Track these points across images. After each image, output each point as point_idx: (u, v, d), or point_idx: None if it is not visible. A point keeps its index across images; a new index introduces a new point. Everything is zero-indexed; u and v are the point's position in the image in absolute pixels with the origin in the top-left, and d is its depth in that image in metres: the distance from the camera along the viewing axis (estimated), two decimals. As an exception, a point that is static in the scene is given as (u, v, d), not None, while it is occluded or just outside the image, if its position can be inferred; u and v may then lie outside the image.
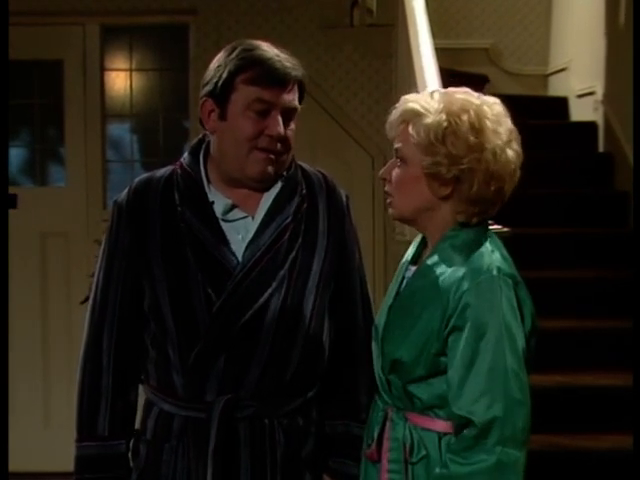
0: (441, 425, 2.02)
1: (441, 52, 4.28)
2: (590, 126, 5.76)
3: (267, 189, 2.17)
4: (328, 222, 2.22)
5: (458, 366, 1.95)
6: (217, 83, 2.11)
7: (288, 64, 2.11)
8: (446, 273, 1.99)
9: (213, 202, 2.16)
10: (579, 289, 4.54)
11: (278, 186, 2.18)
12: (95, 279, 2.24)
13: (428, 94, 2.07)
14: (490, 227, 2.11)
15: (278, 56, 2.11)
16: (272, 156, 2.12)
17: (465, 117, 1.99)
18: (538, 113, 5.92)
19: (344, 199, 2.28)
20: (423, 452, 2.01)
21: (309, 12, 5.35)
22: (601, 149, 5.68)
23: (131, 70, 5.68)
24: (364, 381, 2.24)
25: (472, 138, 1.98)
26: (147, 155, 5.82)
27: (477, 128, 1.98)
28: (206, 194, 2.16)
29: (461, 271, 1.97)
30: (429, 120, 2.00)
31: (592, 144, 5.70)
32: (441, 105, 2.01)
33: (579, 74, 6.18)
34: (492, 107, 2.03)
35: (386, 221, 5.25)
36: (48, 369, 5.54)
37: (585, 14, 6.13)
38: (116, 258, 2.19)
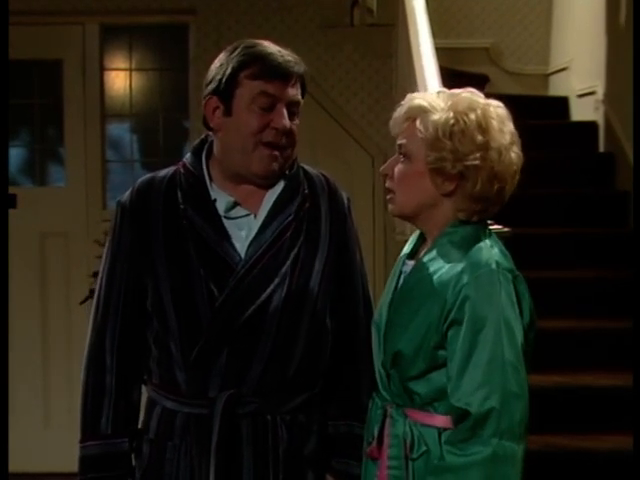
0: (441, 420, 2.02)
1: (441, 52, 4.27)
2: (591, 126, 5.75)
3: (270, 187, 2.19)
4: (330, 223, 2.24)
5: (457, 358, 1.96)
6: (221, 80, 2.13)
7: (290, 58, 2.14)
8: (445, 267, 2.00)
9: (215, 200, 2.17)
10: (579, 289, 4.54)
11: (281, 184, 2.20)
12: (99, 280, 2.25)
13: (434, 93, 2.10)
14: (490, 227, 2.12)
15: (280, 51, 2.14)
16: (276, 152, 2.14)
17: (472, 116, 2.01)
18: (538, 113, 5.92)
19: (345, 201, 2.30)
20: (423, 448, 2.02)
21: (309, 12, 5.36)
22: (602, 149, 5.67)
23: (131, 70, 5.68)
24: (365, 381, 2.24)
25: (479, 136, 2.00)
26: (147, 155, 5.82)
27: (484, 127, 2.01)
28: (208, 192, 2.18)
29: (460, 265, 1.99)
30: (436, 117, 2.02)
31: (593, 144, 5.70)
32: (448, 103, 2.04)
33: (580, 74, 6.17)
34: (497, 109, 2.06)
35: (386, 221, 5.25)
36: (48, 369, 5.54)
37: (586, 14, 6.12)
38: (119, 259, 2.21)
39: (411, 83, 4.11)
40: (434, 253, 2.05)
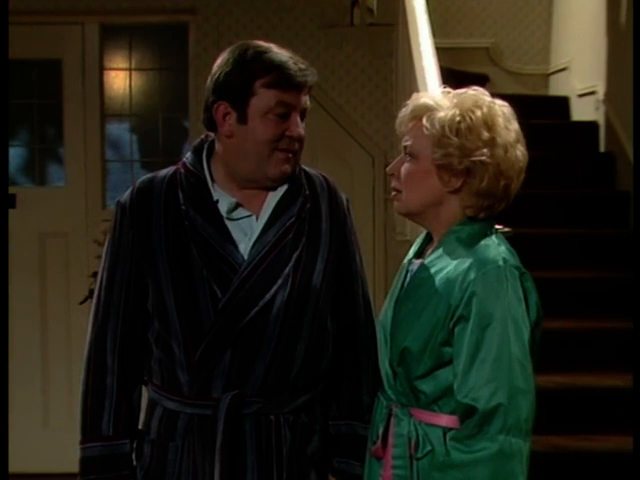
0: (446, 420, 2.03)
1: (442, 51, 4.27)
2: (591, 126, 5.75)
3: (274, 189, 2.20)
4: (330, 223, 2.25)
5: (464, 355, 1.97)
6: (234, 87, 2.12)
7: (303, 66, 2.14)
8: (452, 265, 2.02)
9: (217, 200, 2.18)
10: (580, 289, 4.53)
11: (284, 186, 2.20)
12: (98, 279, 2.25)
13: (439, 92, 2.12)
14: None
15: (292, 58, 2.15)
16: (290, 155, 2.16)
17: (479, 113, 2.03)
18: (539, 113, 5.90)
19: (345, 202, 2.31)
20: (428, 447, 2.02)
21: (309, 11, 5.35)
22: (602, 149, 5.67)
23: (130, 69, 5.68)
24: (366, 381, 2.26)
25: (485, 133, 2.02)
26: (146, 155, 5.81)
27: (489, 124, 2.03)
28: (211, 193, 2.18)
29: (467, 262, 2.00)
30: (442, 114, 2.04)
31: (593, 144, 5.70)
32: (454, 101, 2.06)
33: (580, 73, 6.17)
34: (502, 107, 2.08)
35: (386, 221, 5.24)
36: (47, 370, 5.53)
37: (586, 13, 6.12)
38: (120, 258, 2.20)
39: (411, 83, 4.11)
40: (441, 251, 2.06)
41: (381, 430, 2.10)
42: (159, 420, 2.20)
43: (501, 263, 1.99)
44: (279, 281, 2.14)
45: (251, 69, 2.12)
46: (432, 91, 3.42)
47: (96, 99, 5.56)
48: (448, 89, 2.13)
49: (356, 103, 5.34)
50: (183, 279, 2.14)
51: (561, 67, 6.67)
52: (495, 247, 2.03)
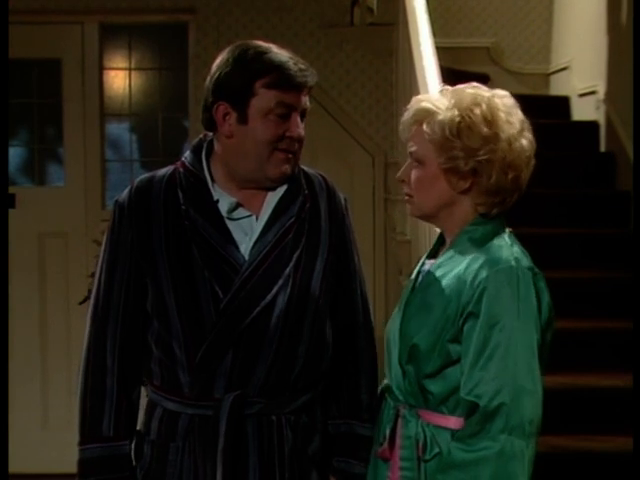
0: (454, 422, 2.02)
1: (442, 51, 4.26)
2: (592, 125, 5.74)
3: (274, 189, 2.20)
4: (329, 223, 2.25)
5: (471, 352, 1.97)
6: (234, 87, 2.12)
7: (303, 67, 2.14)
8: (464, 263, 2.02)
9: (217, 200, 2.17)
10: (580, 289, 4.52)
11: (284, 186, 2.20)
12: (97, 280, 2.24)
13: (438, 92, 2.12)
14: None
15: (292, 58, 2.14)
16: (290, 156, 2.16)
17: (477, 110, 2.03)
18: (539, 112, 5.84)
19: (343, 201, 2.32)
20: (436, 449, 2.02)
21: (309, 11, 5.35)
22: (603, 149, 5.66)
23: (130, 69, 5.68)
24: (365, 380, 2.27)
25: (486, 130, 2.02)
26: (146, 154, 5.81)
27: (490, 120, 2.03)
28: (211, 193, 2.18)
29: (479, 261, 2.00)
30: (442, 117, 2.04)
31: (594, 143, 5.69)
32: (452, 101, 2.05)
33: (581, 73, 6.16)
34: (503, 99, 2.09)
35: (386, 221, 5.24)
36: (46, 370, 5.53)
37: (586, 13, 6.11)
38: (119, 258, 2.20)
39: (412, 83, 4.11)
40: (453, 251, 2.07)
41: (388, 431, 2.10)
42: (159, 421, 2.19)
43: (513, 263, 1.99)
44: (280, 281, 2.14)
45: (251, 69, 2.12)
46: (432, 91, 3.41)
47: (96, 99, 5.55)
48: (446, 87, 2.13)
49: (356, 103, 5.33)
50: (184, 279, 2.13)
51: (562, 67, 6.66)
52: (508, 247, 2.03)
